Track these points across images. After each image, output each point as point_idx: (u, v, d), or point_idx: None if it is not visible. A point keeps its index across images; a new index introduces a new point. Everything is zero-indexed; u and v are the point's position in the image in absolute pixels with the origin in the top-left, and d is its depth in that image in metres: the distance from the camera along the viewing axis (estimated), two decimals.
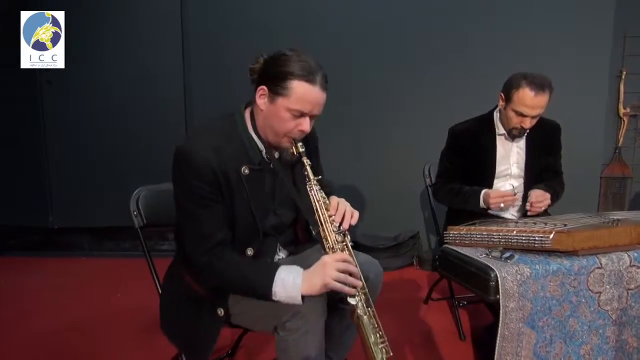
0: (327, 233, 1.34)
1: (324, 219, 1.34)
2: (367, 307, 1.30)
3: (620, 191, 3.69)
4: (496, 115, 2.19)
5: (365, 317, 1.28)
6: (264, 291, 1.27)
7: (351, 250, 1.34)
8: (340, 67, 3.38)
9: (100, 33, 3.46)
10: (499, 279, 1.50)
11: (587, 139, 3.34)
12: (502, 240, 1.67)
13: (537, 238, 1.59)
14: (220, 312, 1.39)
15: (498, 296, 1.50)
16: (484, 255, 1.64)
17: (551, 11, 3.26)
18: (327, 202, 1.38)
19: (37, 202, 3.59)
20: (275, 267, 1.30)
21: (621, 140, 3.61)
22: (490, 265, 1.54)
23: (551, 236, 1.56)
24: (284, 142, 1.36)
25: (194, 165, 1.28)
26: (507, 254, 1.61)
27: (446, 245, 1.82)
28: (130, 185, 1.70)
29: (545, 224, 1.70)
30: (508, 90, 2.02)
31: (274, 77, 1.29)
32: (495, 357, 1.54)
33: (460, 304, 2.46)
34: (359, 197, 3.47)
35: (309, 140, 1.49)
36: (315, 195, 1.36)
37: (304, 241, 1.60)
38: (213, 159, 1.28)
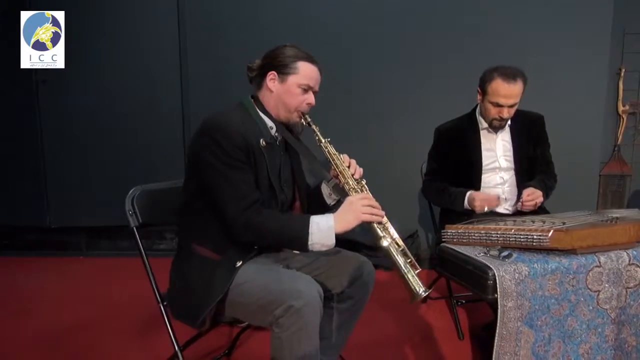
0: (347, 178, 1.53)
1: (342, 168, 1.54)
2: (390, 236, 1.45)
3: (619, 189, 3.68)
4: (478, 110, 2.24)
5: (392, 243, 1.42)
6: (301, 235, 1.38)
7: (368, 190, 1.54)
8: (339, 65, 3.37)
9: (100, 33, 3.45)
10: (497, 278, 1.48)
11: (586, 136, 3.33)
12: (500, 238, 1.66)
13: (535, 236, 1.58)
14: (238, 263, 1.44)
15: (496, 295, 1.49)
16: (482, 254, 1.63)
17: (550, 9, 3.24)
18: (340, 156, 1.58)
19: (34, 202, 3.58)
20: (308, 215, 1.43)
21: (620, 138, 3.59)
22: (488, 264, 1.52)
23: (549, 235, 1.55)
24: (295, 116, 1.55)
25: (228, 132, 1.41)
26: (505, 253, 1.59)
27: (444, 244, 1.80)
28: (127, 185, 1.69)
29: (544, 222, 1.69)
30: (483, 84, 2.10)
31: (281, 62, 1.51)
32: (494, 356, 1.53)
33: (459, 303, 2.46)
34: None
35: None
36: (329, 151, 1.57)
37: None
38: (241, 131, 1.43)
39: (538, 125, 2.27)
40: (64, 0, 3.17)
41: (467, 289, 1.67)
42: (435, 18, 3.33)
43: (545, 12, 3.25)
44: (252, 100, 1.58)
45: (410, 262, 1.41)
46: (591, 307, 1.61)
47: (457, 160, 2.21)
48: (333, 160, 1.56)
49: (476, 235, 1.72)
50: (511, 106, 2.06)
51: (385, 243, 1.41)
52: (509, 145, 2.21)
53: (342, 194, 1.57)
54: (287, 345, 1.29)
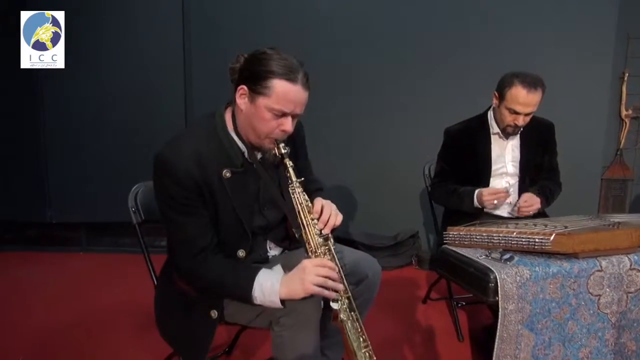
0: (309, 236, 1.31)
1: (306, 222, 1.32)
2: (350, 311, 1.28)
3: (621, 193, 3.67)
4: (490, 114, 2.21)
5: (348, 321, 1.26)
6: (244, 296, 1.28)
7: (334, 254, 1.32)
8: (340, 66, 3.38)
9: (100, 32, 3.44)
10: (498, 281, 1.49)
11: (588, 140, 3.33)
12: (502, 241, 1.66)
13: (537, 240, 1.58)
14: (214, 314, 1.38)
15: (497, 298, 1.50)
16: (483, 257, 1.63)
17: (554, 12, 3.24)
18: (310, 205, 1.35)
19: (35, 197, 3.58)
20: (255, 271, 1.30)
21: (623, 142, 3.59)
22: (490, 267, 1.53)
23: (551, 238, 1.55)
24: (266, 143, 1.33)
25: (174, 174, 1.26)
26: (506, 256, 1.60)
27: (446, 246, 1.81)
28: (129, 181, 1.69)
29: (546, 225, 1.69)
30: (501, 89, 2.06)
31: (254, 76, 1.26)
32: (494, 359, 1.53)
33: (459, 305, 2.46)
34: (359, 196, 3.47)
35: (296, 131, 1.45)
36: (297, 197, 1.33)
37: (296, 238, 1.59)
38: (194, 167, 1.27)
39: (548, 133, 2.26)
40: (64, 0, 3.17)
41: (468, 291, 1.67)
42: (438, 20, 3.33)
43: (548, 15, 3.25)
44: (229, 112, 1.38)
45: (366, 347, 1.28)
46: (592, 311, 1.61)
47: (466, 163, 2.19)
48: (298, 210, 1.33)
49: (478, 237, 1.72)
50: (527, 114, 2.04)
51: (335, 306, 1.26)
52: (517, 152, 2.20)
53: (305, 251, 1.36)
54: (289, 343, 1.29)
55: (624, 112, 3.55)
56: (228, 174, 1.32)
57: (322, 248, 1.31)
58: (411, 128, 3.39)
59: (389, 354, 2.13)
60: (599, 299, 1.61)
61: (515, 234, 1.63)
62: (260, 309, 1.33)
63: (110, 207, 3.28)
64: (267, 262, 1.49)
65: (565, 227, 1.63)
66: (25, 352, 2.12)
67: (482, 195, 2.05)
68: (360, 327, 1.28)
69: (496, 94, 2.10)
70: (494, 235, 1.68)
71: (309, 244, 1.31)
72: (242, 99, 1.30)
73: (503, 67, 3.18)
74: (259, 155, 1.40)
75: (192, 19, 3.43)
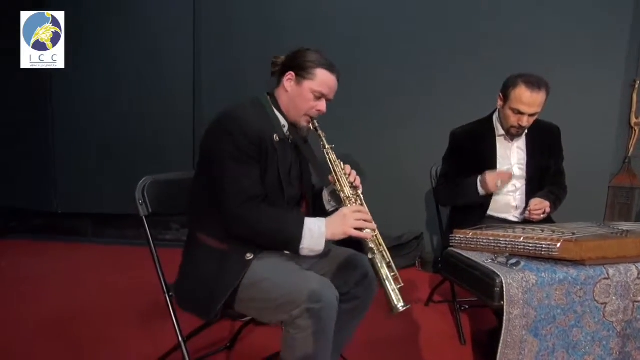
0: (343, 186, 1.54)
1: (340, 175, 1.55)
2: (379, 245, 1.46)
3: (627, 201, 3.65)
4: (496, 116, 2.21)
5: (378, 254, 1.44)
6: (294, 236, 1.40)
7: (363, 201, 1.56)
8: (347, 67, 3.34)
9: (108, 29, 3.45)
10: (504, 285, 1.48)
11: (597, 147, 3.30)
12: (509, 246, 1.65)
13: (544, 245, 1.58)
14: (249, 255, 1.45)
15: (502, 302, 1.49)
16: (489, 261, 1.63)
17: (566, 17, 3.22)
18: (341, 163, 1.59)
19: (42, 186, 3.60)
20: (302, 217, 1.45)
21: (631, 150, 3.56)
22: (496, 271, 1.52)
23: (559, 244, 1.54)
24: (303, 120, 1.58)
25: (244, 125, 1.43)
26: (513, 260, 1.59)
27: (451, 248, 1.80)
28: (136, 173, 1.70)
29: (553, 231, 1.68)
30: (505, 90, 2.07)
31: (301, 65, 1.54)
32: None
33: (462, 308, 2.45)
34: (364, 197, 3.44)
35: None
36: (331, 157, 1.58)
37: None
38: (257, 125, 1.47)
39: (554, 136, 2.25)
40: (64, 0, 3.18)
41: (472, 295, 1.66)
42: (448, 22, 3.31)
43: (561, 21, 3.22)
44: (269, 97, 1.60)
45: (394, 275, 1.43)
46: (597, 319, 1.60)
47: (471, 166, 2.18)
48: (332, 166, 1.57)
49: (484, 241, 1.72)
50: (532, 115, 2.04)
51: (372, 255, 1.44)
52: (523, 154, 2.19)
53: (338, 201, 1.60)
54: (301, 346, 1.30)
55: (633, 120, 3.52)
56: (277, 138, 1.53)
57: (354, 196, 1.54)
58: (418, 129, 3.38)
59: (390, 355, 2.12)
60: (604, 307, 1.60)
61: (522, 239, 1.63)
62: (280, 300, 1.34)
63: (116, 199, 3.30)
64: None
65: (573, 234, 1.62)
66: (30, 340, 2.13)
67: (485, 181, 2.06)
68: (389, 258, 1.46)
69: (500, 95, 2.11)
70: (501, 239, 1.67)
71: (343, 192, 1.54)
72: (289, 82, 1.56)
73: (512, 70, 3.16)
74: (293, 134, 1.61)
75: (202, 16, 3.44)
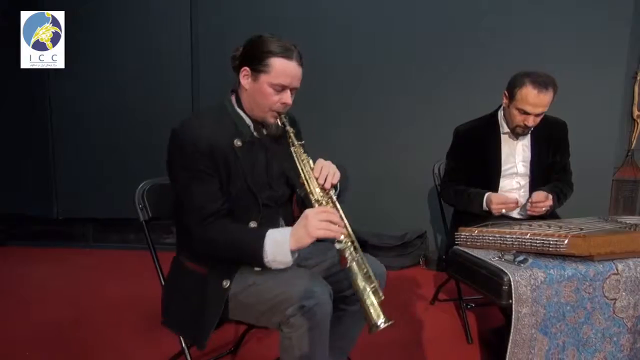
0: (311, 188, 1.39)
1: (308, 176, 1.41)
2: (355, 251, 1.31)
3: (631, 194, 3.62)
4: (500, 114, 2.17)
5: (354, 262, 1.29)
6: (255, 253, 1.31)
7: (336, 203, 1.39)
8: (350, 65, 3.35)
9: (107, 31, 3.44)
10: (512, 283, 1.45)
11: (600, 140, 3.28)
12: (516, 243, 1.63)
13: (551, 242, 1.55)
14: (226, 283, 1.40)
15: (511, 301, 1.46)
16: (496, 258, 1.60)
17: (567, 10, 3.19)
18: (311, 162, 1.44)
19: (42, 192, 3.58)
20: (264, 229, 1.36)
21: (634, 143, 3.54)
22: (503, 269, 1.49)
23: (566, 240, 1.51)
24: (269, 116, 1.45)
25: (191, 139, 1.35)
26: (520, 258, 1.56)
27: (457, 247, 1.77)
28: (136, 178, 1.68)
29: (560, 227, 1.65)
30: (512, 89, 2.02)
31: (254, 57, 1.40)
32: None
33: (468, 306, 2.42)
34: (368, 195, 3.43)
35: (291, 122, 1.57)
36: (298, 156, 1.43)
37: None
38: (209, 135, 1.37)
39: (561, 133, 2.21)
40: (64, 0, 3.16)
41: (479, 293, 1.64)
42: (450, 19, 3.29)
43: (562, 15, 3.20)
44: (233, 95, 1.51)
45: (373, 288, 1.27)
46: (607, 316, 1.57)
47: (475, 163, 2.16)
48: (299, 166, 1.43)
49: (490, 238, 1.69)
50: (538, 115, 1.99)
51: (345, 257, 1.29)
52: (528, 152, 2.15)
53: (310, 205, 1.43)
54: (297, 344, 1.27)
55: (635, 113, 3.50)
56: (239, 143, 1.43)
57: (325, 198, 1.39)
58: (421, 127, 3.36)
59: (396, 355, 2.10)
60: (614, 303, 1.57)
61: (529, 235, 1.60)
62: (272, 302, 1.31)
63: (117, 204, 3.28)
64: None
65: (581, 229, 1.59)
66: (31, 347, 2.11)
67: (490, 202, 2.02)
68: (366, 267, 1.30)
69: (506, 94, 2.06)
70: (507, 236, 1.65)
71: (312, 194, 1.39)
72: (245, 79, 1.44)
73: (514, 66, 3.13)
74: (263, 132, 1.50)
75: (200, 17, 3.42)
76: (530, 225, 1.74)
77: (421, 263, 3.33)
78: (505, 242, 1.65)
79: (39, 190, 3.59)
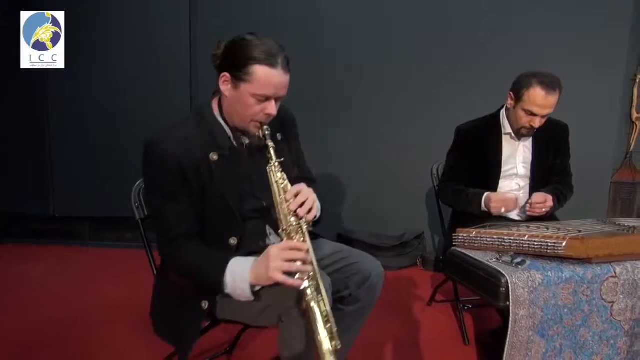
0: (281, 215, 1.29)
1: (280, 200, 1.30)
2: (317, 293, 1.20)
3: (629, 197, 3.63)
4: (503, 114, 2.16)
5: (314, 304, 1.18)
6: (215, 281, 1.26)
7: (306, 234, 1.27)
8: (347, 65, 3.34)
9: (107, 30, 3.42)
10: (509, 285, 1.45)
11: (599, 142, 3.27)
12: (514, 244, 1.62)
13: (550, 244, 1.55)
14: (205, 304, 1.36)
15: (508, 303, 1.46)
16: (494, 260, 1.60)
17: (566, 12, 3.19)
18: (287, 184, 1.33)
19: (39, 190, 3.56)
20: (227, 257, 1.28)
21: (632, 145, 3.54)
22: (501, 271, 1.49)
23: (565, 243, 1.51)
24: (251, 127, 1.35)
25: (160, 157, 1.29)
26: (518, 259, 1.56)
27: (455, 248, 1.77)
28: (133, 176, 1.66)
29: (558, 229, 1.65)
30: (518, 90, 1.99)
31: (235, 63, 1.28)
32: None
33: (465, 307, 2.42)
34: (365, 195, 3.43)
35: (288, 123, 1.53)
36: (274, 175, 1.32)
37: None
38: (180, 150, 1.29)
39: (562, 135, 2.20)
40: (64, 0, 3.15)
41: (476, 294, 1.63)
42: (449, 20, 3.27)
43: (561, 17, 3.19)
44: (215, 101, 1.40)
45: (330, 329, 1.16)
46: (604, 318, 1.57)
47: (475, 163, 2.14)
48: (273, 189, 1.31)
49: (488, 240, 1.69)
50: (544, 116, 1.98)
51: (306, 300, 1.17)
52: (529, 153, 2.15)
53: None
54: (299, 337, 1.24)
55: (634, 115, 3.50)
56: (215, 157, 1.34)
57: (294, 226, 1.27)
58: (419, 128, 3.35)
59: (393, 356, 2.09)
60: (612, 306, 1.57)
61: (527, 237, 1.60)
62: (271, 299, 1.29)
63: (113, 202, 3.25)
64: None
65: (579, 232, 1.59)
66: (27, 345, 2.10)
67: (490, 201, 2.01)
68: (327, 313, 1.19)
69: (512, 95, 2.04)
70: (505, 238, 1.64)
71: (280, 222, 1.29)
72: (225, 85, 1.32)
73: (513, 67, 3.11)
74: (246, 140, 1.41)
75: (199, 16, 3.40)
76: (529, 227, 1.74)
77: (419, 264, 3.32)
78: (503, 243, 1.65)
79: (36, 189, 3.57)
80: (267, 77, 1.26)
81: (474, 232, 1.73)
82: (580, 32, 3.19)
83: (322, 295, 1.20)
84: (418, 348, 2.17)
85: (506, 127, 2.12)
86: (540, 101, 1.93)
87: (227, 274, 1.25)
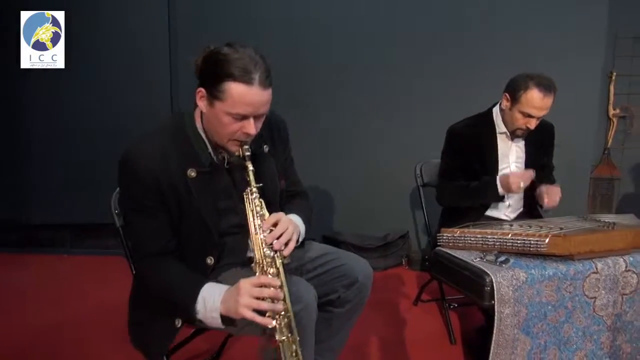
0: (255, 246, 1.23)
1: (254, 230, 1.24)
2: (288, 332, 1.17)
3: (608, 192, 3.70)
4: (495, 113, 2.15)
5: (285, 344, 1.16)
6: (187, 308, 1.21)
7: (280, 268, 1.21)
8: (330, 65, 3.33)
9: (100, 32, 3.39)
10: (494, 284, 1.46)
11: (578, 139, 3.32)
12: (497, 243, 1.64)
13: (532, 241, 1.57)
14: (178, 322, 1.31)
15: (493, 302, 1.47)
16: (478, 259, 1.61)
17: (545, 10, 3.23)
18: (265, 213, 1.26)
19: (16, 197, 3.48)
20: (201, 283, 1.22)
21: (610, 141, 3.61)
22: (486, 270, 1.50)
23: (547, 240, 1.53)
24: (230, 145, 1.27)
25: (135, 171, 1.23)
26: (502, 258, 1.57)
27: (439, 248, 1.77)
28: (112, 182, 1.62)
29: (541, 227, 1.67)
30: (515, 91, 1.98)
31: (210, 78, 1.21)
32: None
33: (451, 306, 2.43)
34: (349, 196, 3.43)
35: (277, 130, 1.47)
36: (250, 203, 1.25)
37: None
38: (156, 165, 1.23)
39: (550, 134, 2.23)
40: (64, 0, 3.11)
41: (463, 294, 1.64)
42: (430, 19, 3.29)
43: (540, 15, 3.23)
44: (196, 111, 1.33)
45: None
46: (587, 314, 1.59)
47: (472, 163, 2.12)
48: (247, 217, 1.25)
49: (472, 239, 1.70)
50: (540, 117, 1.99)
51: (270, 326, 1.14)
52: (521, 153, 2.15)
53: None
54: (283, 349, 1.21)
55: (611, 112, 3.57)
56: (193, 174, 1.27)
57: (267, 260, 1.21)
58: (402, 127, 3.36)
59: (379, 356, 2.09)
60: (594, 302, 1.59)
61: (510, 235, 1.61)
62: (244, 323, 1.24)
63: (93, 208, 3.20)
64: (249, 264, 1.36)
65: (561, 229, 1.61)
66: (8, 355, 2.05)
67: (507, 180, 1.95)
68: (297, 352, 1.17)
69: (507, 96, 2.02)
70: (489, 237, 1.66)
71: (254, 254, 1.23)
72: (202, 101, 1.25)
73: (494, 65, 3.18)
74: (227, 156, 1.35)
75: (179, 22, 3.37)
76: (511, 226, 1.76)
77: (404, 263, 3.33)
78: (486, 242, 1.66)
79: (12, 195, 3.49)
80: (242, 95, 1.17)
81: (458, 232, 1.75)
82: (558, 31, 3.23)
83: (293, 334, 1.17)
84: (405, 348, 2.17)
85: (500, 127, 2.11)
86: (538, 103, 1.93)
87: (198, 301, 1.20)
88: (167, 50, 3.38)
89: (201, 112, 1.31)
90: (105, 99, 3.42)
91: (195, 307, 1.20)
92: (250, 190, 1.25)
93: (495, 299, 1.46)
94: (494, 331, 1.48)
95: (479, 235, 1.68)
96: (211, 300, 1.19)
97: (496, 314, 1.47)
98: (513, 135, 2.09)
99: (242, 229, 1.37)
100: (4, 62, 3.21)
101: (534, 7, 3.24)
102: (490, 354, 1.50)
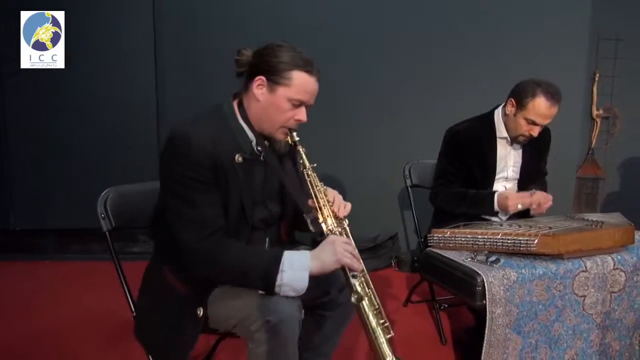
0: (325, 217, 1.34)
1: (323, 203, 1.35)
2: (367, 287, 1.27)
3: (592, 192, 3.75)
4: (497, 117, 2.13)
5: (366, 297, 1.24)
6: (270, 273, 1.22)
7: (349, 234, 1.35)
8: (320, 64, 3.31)
9: (99, 32, 3.35)
10: (485, 284, 1.46)
11: (563, 140, 3.34)
12: (487, 243, 1.64)
13: (522, 241, 1.57)
14: (200, 311, 1.32)
15: (484, 301, 1.47)
16: (469, 259, 1.61)
17: (528, 12, 3.27)
18: (325, 188, 1.40)
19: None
20: (280, 250, 1.28)
21: (594, 141, 3.66)
22: (477, 270, 1.50)
23: (537, 240, 1.54)
24: (279, 132, 1.36)
25: (193, 149, 1.24)
26: (492, 258, 1.58)
27: (430, 249, 1.77)
28: (98, 185, 1.60)
29: (530, 227, 1.68)
30: (521, 98, 1.96)
31: (272, 67, 1.30)
32: None
33: (441, 307, 2.43)
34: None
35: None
36: (313, 180, 1.37)
37: (287, 241, 1.55)
38: (210, 146, 1.26)
39: (546, 139, 2.22)
40: (64, 0, 3.08)
41: (454, 295, 1.64)
42: (420, 20, 3.31)
43: (523, 17, 3.27)
44: (235, 103, 1.37)
45: (384, 324, 1.24)
46: (577, 312, 1.60)
47: (471, 166, 2.10)
48: (313, 192, 1.36)
49: (463, 239, 1.70)
50: (542, 125, 1.98)
51: (358, 298, 1.23)
52: (519, 157, 2.14)
53: (319, 231, 1.36)
54: (365, 305, 1.23)
55: (595, 112, 3.62)
56: (240, 159, 1.32)
57: (339, 228, 1.34)
58: (391, 129, 3.36)
59: (369, 357, 2.08)
60: (584, 300, 1.60)
61: (500, 235, 1.62)
62: (239, 315, 1.25)
63: (78, 213, 3.14)
64: None
65: (550, 228, 1.62)
66: None
67: (506, 199, 1.93)
68: (377, 304, 1.27)
69: (513, 102, 2.00)
70: (479, 237, 1.66)
71: (325, 223, 1.33)
72: (259, 89, 1.32)
73: (480, 67, 3.20)
74: (267, 146, 1.41)
75: (166, 19, 3.34)
76: (501, 226, 1.76)
77: (393, 265, 3.33)
78: (477, 242, 1.67)
79: None
80: (306, 82, 1.31)
81: (448, 232, 1.75)
82: (542, 33, 3.27)
83: (372, 289, 1.27)
84: (396, 349, 2.14)
85: (501, 131, 2.09)
86: (544, 111, 1.92)
87: (284, 262, 1.23)
88: (152, 50, 3.36)
89: (239, 104, 1.36)
90: (85, 103, 3.38)
91: (280, 271, 1.22)
92: (308, 170, 1.38)
93: (487, 299, 1.46)
94: (486, 331, 1.48)
95: (469, 236, 1.69)
96: (298, 260, 1.24)
97: (488, 313, 1.47)
98: (514, 141, 2.08)
99: (267, 224, 1.44)
100: (4, 62, 3.20)
101: (517, 9, 3.27)
102: (482, 354, 1.50)
